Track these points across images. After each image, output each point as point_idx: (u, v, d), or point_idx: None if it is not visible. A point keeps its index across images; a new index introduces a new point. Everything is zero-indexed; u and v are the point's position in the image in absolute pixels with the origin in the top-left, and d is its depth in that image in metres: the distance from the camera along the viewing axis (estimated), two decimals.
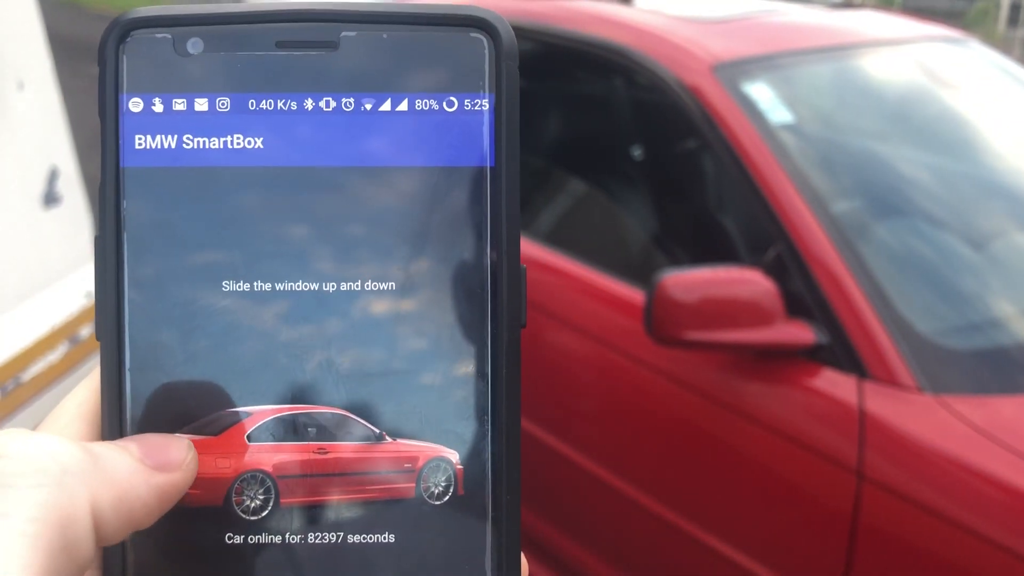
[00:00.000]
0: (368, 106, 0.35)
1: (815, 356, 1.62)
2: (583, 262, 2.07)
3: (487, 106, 0.35)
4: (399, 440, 0.35)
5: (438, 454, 0.35)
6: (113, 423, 0.34)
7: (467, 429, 0.35)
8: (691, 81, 1.94)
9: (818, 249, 1.68)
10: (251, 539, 0.34)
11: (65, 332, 1.65)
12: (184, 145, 0.35)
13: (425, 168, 0.35)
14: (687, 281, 1.63)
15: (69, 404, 0.35)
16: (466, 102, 0.35)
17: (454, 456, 0.35)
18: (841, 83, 2.21)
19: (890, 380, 1.54)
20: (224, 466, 0.35)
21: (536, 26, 2.41)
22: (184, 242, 0.34)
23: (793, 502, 1.64)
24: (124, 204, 0.34)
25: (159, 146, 0.35)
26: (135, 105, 0.35)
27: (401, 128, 0.35)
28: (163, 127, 0.35)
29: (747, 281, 1.62)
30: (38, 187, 1.65)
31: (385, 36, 0.35)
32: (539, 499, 2.11)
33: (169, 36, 0.35)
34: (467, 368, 0.35)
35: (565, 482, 2.04)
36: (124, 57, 0.35)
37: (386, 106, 0.35)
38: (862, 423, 1.52)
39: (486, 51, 0.35)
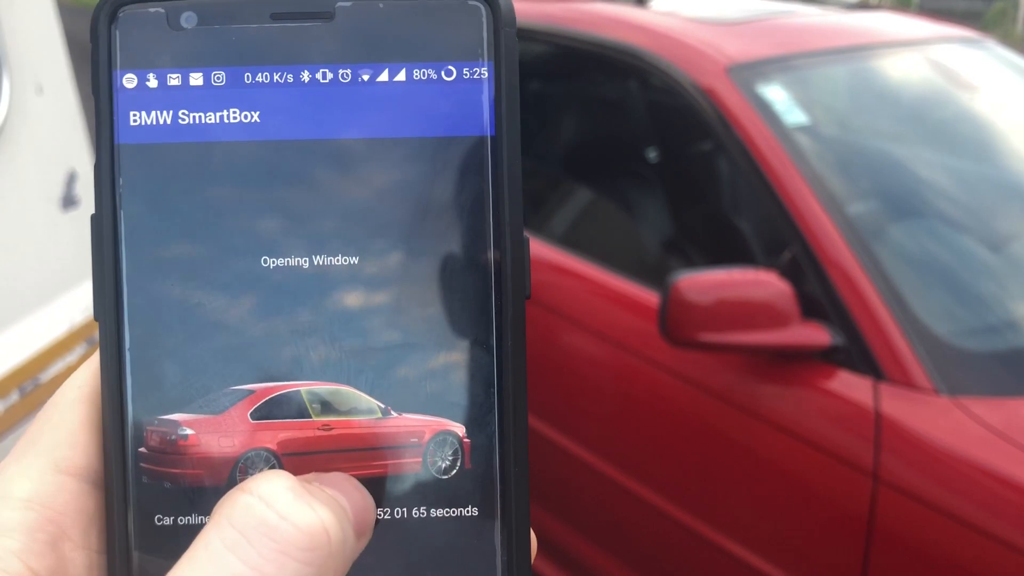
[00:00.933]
0: (365, 77, 0.34)
1: (830, 358, 1.62)
2: (598, 264, 2.07)
3: (486, 74, 0.34)
4: (405, 415, 0.34)
5: (444, 428, 0.34)
6: (114, 404, 0.34)
7: (473, 402, 0.34)
8: (706, 83, 1.94)
9: (833, 251, 1.67)
10: None
11: (83, 334, 1.66)
12: (180, 120, 0.34)
13: (424, 138, 0.34)
14: (702, 283, 1.62)
15: (69, 387, 0.34)
16: (465, 71, 0.34)
17: (460, 430, 0.34)
18: (856, 84, 2.20)
19: (906, 382, 1.53)
20: (228, 445, 0.34)
21: (551, 28, 2.41)
22: (182, 219, 0.34)
23: (808, 504, 1.63)
24: (120, 182, 0.34)
25: (154, 122, 0.34)
26: (129, 81, 0.34)
27: (399, 98, 0.34)
28: (158, 103, 0.34)
29: (762, 283, 1.62)
30: (57, 190, 1.67)
31: (381, 5, 0.34)
32: (554, 500, 2.11)
33: (162, 10, 0.34)
34: (472, 340, 0.34)
35: (580, 484, 2.04)
36: (116, 33, 0.34)
37: (383, 76, 0.34)
38: (878, 425, 1.52)
39: (484, 19, 0.34)
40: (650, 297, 1.88)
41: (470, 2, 0.34)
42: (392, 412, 0.34)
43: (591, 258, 2.10)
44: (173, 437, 0.34)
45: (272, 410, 0.34)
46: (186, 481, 0.34)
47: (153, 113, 0.34)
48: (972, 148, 2.16)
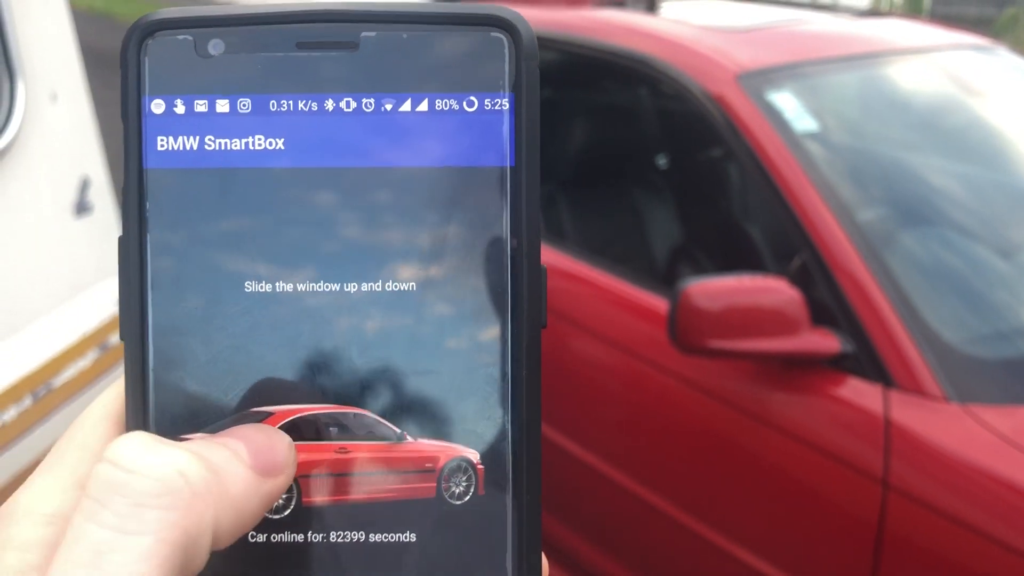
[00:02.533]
0: (388, 106, 0.35)
1: (840, 365, 1.62)
2: (608, 271, 2.07)
3: (507, 106, 0.35)
4: (420, 440, 0.35)
5: (459, 454, 0.35)
6: (137, 424, 0.34)
7: (488, 429, 0.35)
8: (716, 90, 1.94)
9: (843, 258, 1.67)
10: (273, 538, 0.34)
11: (95, 339, 1.67)
12: (206, 146, 0.35)
13: (446, 168, 0.35)
14: (712, 289, 1.63)
15: (96, 406, 0.35)
16: (486, 102, 0.35)
17: (475, 456, 0.35)
18: (867, 92, 2.20)
19: (916, 389, 1.53)
20: None
21: (563, 36, 2.42)
22: (207, 243, 0.35)
23: (818, 511, 1.63)
24: (147, 205, 0.35)
25: (181, 147, 0.35)
26: (157, 107, 0.35)
27: (421, 128, 0.35)
28: (185, 128, 0.35)
29: (772, 290, 1.62)
30: (70, 196, 1.68)
31: (405, 36, 0.35)
32: (564, 506, 2.11)
33: (190, 38, 0.35)
34: (488, 368, 0.35)
35: (590, 490, 2.04)
36: (146, 59, 0.35)
37: (406, 106, 0.35)
38: (888, 432, 1.52)
39: (506, 51, 0.35)
40: (660, 303, 1.88)
41: (493, 34, 0.35)
42: (408, 437, 0.35)
43: (601, 264, 2.10)
44: None
45: (290, 432, 0.35)
46: None
47: (180, 138, 0.35)
48: (983, 155, 2.16)
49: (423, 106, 0.35)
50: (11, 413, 1.47)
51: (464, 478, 0.35)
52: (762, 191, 1.85)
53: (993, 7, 9.52)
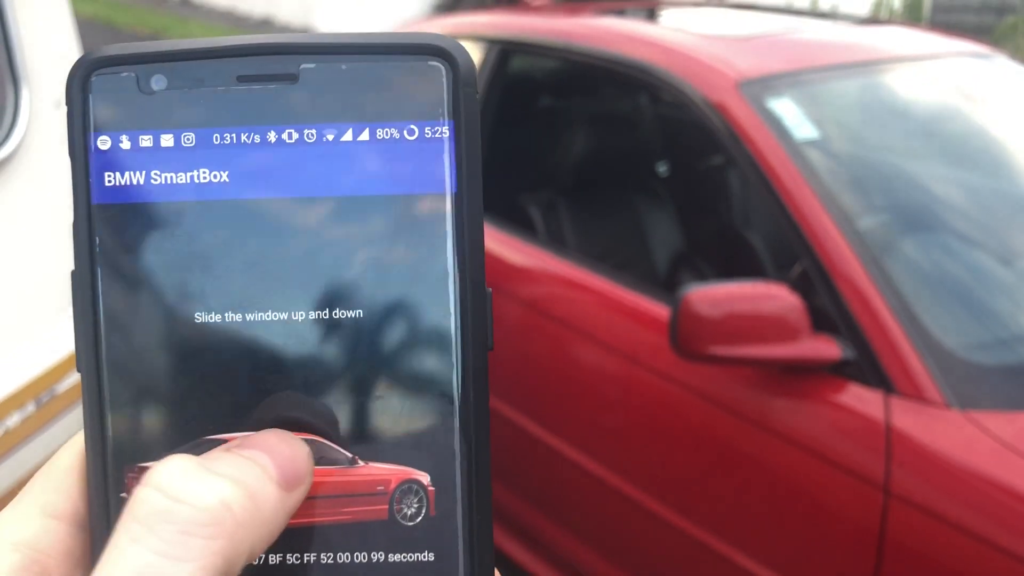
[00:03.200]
0: (330, 137, 0.35)
1: (841, 371, 1.62)
2: (609, 277, 2.08)
3: (447, 133, 0.35)
4: (371, 463, 0.35)
5: (410, 476, 0.35)
6: (96, 452, 0.35)
7: (438, 452, 0.35)
8: (716, 98, 1.95)
9: (844, 264, 1.68)
10: None
11: None
12: (152, 181, 0.35)
13: (388, 196, 0.35)
14: (712, 296, 1.63)
15: (70, 441, 0.36)
16: (427, 130, 0.35)
17: (425, 478, 0.35)
18: (867, 99, 2.21)
19: (917, 396, 1.54)
20: None
21: (564, 45, 2.42)
22: (156, 276, 0.35)
23: (819, 518, 1.63)
24: (97, 240, 0.35)
25: (128, 183, 0.35)
26: (103, 143, 0.35)
27: (363, 157, 0.35)
28: (131, 164, 0.35)
29: (772, 296, 1.63)
30: None
31: (344, 67, 0.35)
32: (566, 512, 2.12)
33: (133, 74, 0.35)
34: (437, 392, 0.35)
35: (591, 496, 2.04)
36: (90, 96, 0.35)
37: (347, 136, 0.35)
38: (889, 439, 1.52)
39: (444, 79, 0.35)
40: (661, 310, 1.89)
41: (431, 63, 0.35)
42: (359, 461, 0.35)
43: (602, 271, 2.11)
44: None
45: None
46: None
47: (127, 174, 0.35)
48: (982, 162, 2.17)
49: (364, 135, 0.35)
50: (15, 419, 1.48)
51: (415, 500, 0.35)
52: (763, 198, 1.85)
53: (992, 15, 9.54)
